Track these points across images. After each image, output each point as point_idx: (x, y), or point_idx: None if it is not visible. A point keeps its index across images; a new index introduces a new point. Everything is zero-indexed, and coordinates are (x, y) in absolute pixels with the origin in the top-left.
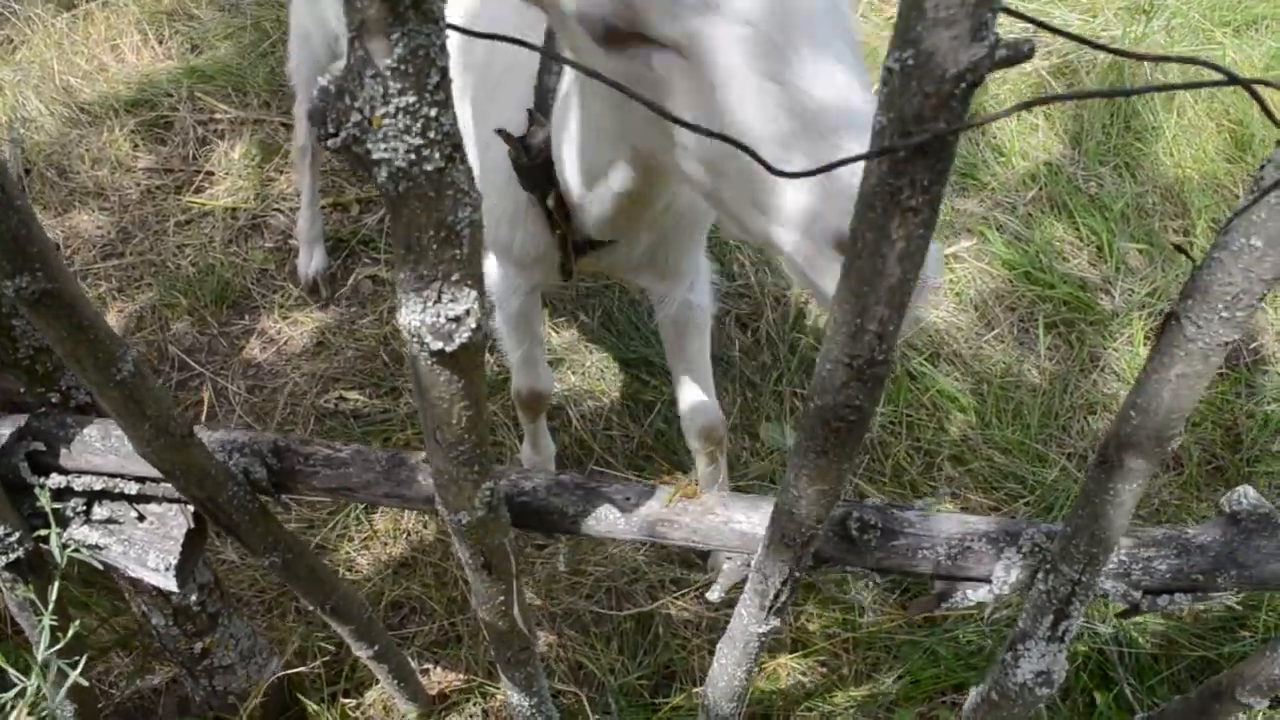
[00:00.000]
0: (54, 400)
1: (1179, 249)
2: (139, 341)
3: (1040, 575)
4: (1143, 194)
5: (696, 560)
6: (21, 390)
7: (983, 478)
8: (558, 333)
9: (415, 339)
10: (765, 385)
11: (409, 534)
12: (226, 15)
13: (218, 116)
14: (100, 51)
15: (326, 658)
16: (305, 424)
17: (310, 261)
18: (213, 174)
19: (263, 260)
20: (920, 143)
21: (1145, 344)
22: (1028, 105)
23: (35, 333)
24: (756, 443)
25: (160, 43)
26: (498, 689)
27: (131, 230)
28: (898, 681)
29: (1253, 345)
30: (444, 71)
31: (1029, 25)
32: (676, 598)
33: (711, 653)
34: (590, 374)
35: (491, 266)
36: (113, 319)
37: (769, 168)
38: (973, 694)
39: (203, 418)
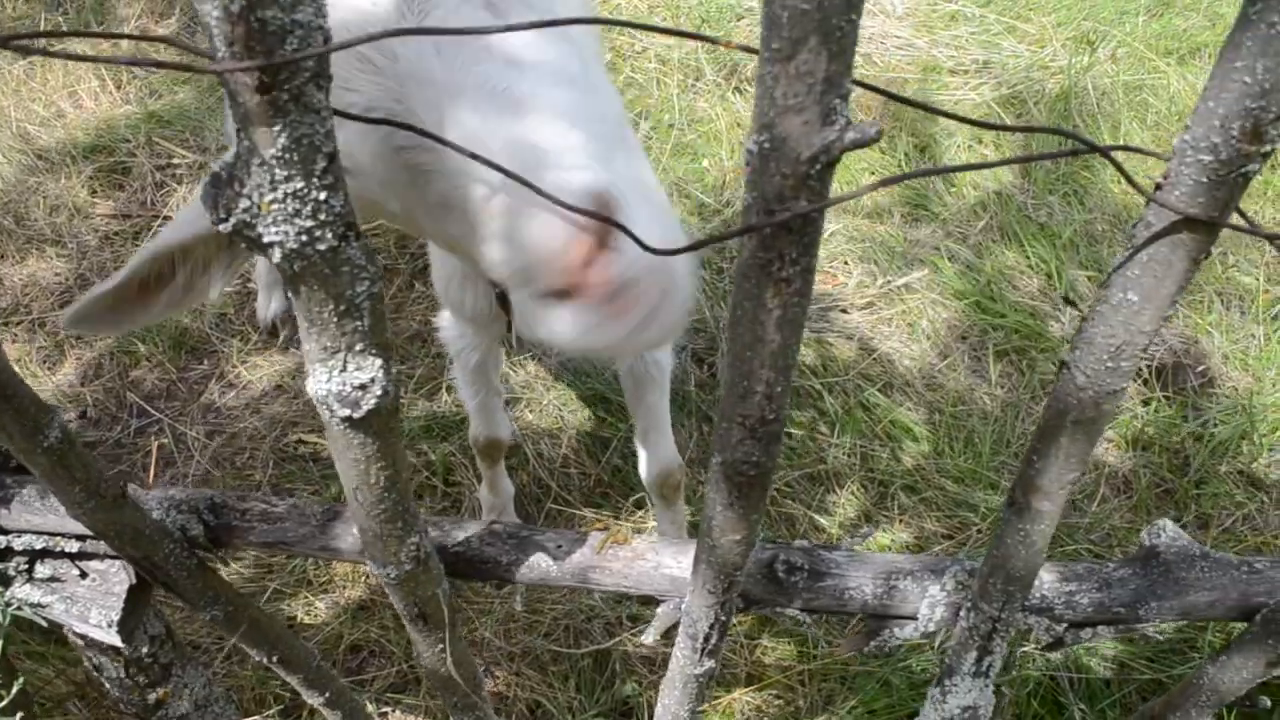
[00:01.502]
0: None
1: (1069, 301)
2: (98, 389)
3: (962, 613)
4: (1091, 220)
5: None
6: None
7: (936, 506)
8: (515, 371)
9: (324, 406)
10: None
11: (367, 578)
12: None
13: (175, 161)
14: (58, 98)
15: (282, 705)
16: (265, 468)
17: (269, 304)
18: (170, 219)
19: (221, 305)
20: (783, 221)
21: None
22: (886, 183)
23: None
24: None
25: (118, 88)
26: None
27: (89, 277)
28: (851, 713)
29: (1199, 369)
30: (331, 156)
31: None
32: (633, 634)
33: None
34: (548, 412)
35: (447, 320)
36: (70, 366)
37: (630, 231)
38: None
39: (153, 466)
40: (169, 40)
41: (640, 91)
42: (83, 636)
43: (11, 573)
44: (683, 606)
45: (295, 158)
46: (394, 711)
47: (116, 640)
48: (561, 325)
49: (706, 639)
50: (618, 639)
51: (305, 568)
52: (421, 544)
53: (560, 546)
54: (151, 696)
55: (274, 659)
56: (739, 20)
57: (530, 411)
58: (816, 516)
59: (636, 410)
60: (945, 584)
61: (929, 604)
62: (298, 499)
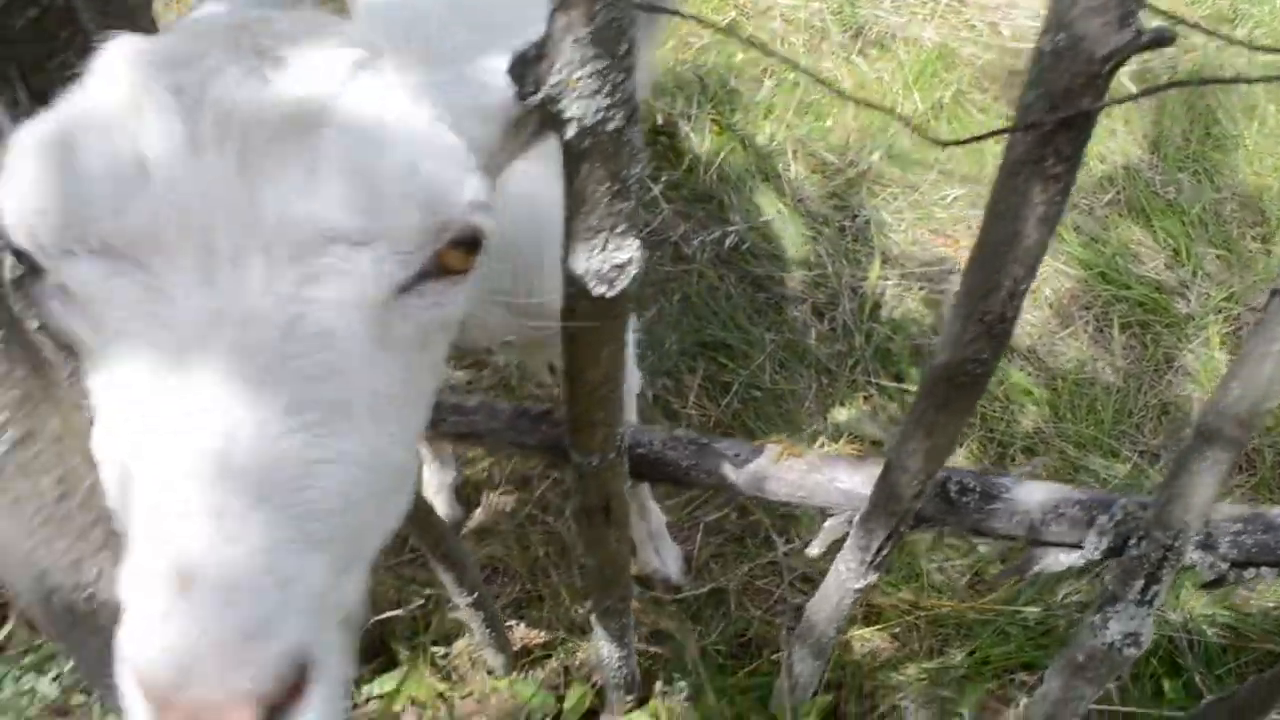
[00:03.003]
0: None
1: None
2: None
3: (1133, 541)
4: (1221, 201)
5: (770, 535)
6: None
7: (1054, 470)
8: (639, 316)
9: (578, 285)
10: (840, 372)
11: (490, 502)
12: None
13: None
14: None
15: (413, 607)
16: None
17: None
18: None
19: None
20: (1067, 117)
21: (1221, 348)
22: (1162, 89)
23: None
24: (830, 426)
25: None
26: (579, 645)
27: None
28: (968, 658)
29: None
30: (632, 41)
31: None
32: (752, 571)
33: (777, 625)
34: (668, 355)
35: None
36: None
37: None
38: (1054, 664)
39: None
40: None
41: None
42: None
43: None
44: (857, 517)
45: (605, 38)
46: (519, 625)
47: None
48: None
49: (879, 550)
50: (734, 575)
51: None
52: (624, 435)
53: (738, 455)
54: None
55: (439, 552)
56: None
57: (652, 353)
58: None
59: None
60: (1115, 514)
61: (1097, 532)
62: (486, 397)
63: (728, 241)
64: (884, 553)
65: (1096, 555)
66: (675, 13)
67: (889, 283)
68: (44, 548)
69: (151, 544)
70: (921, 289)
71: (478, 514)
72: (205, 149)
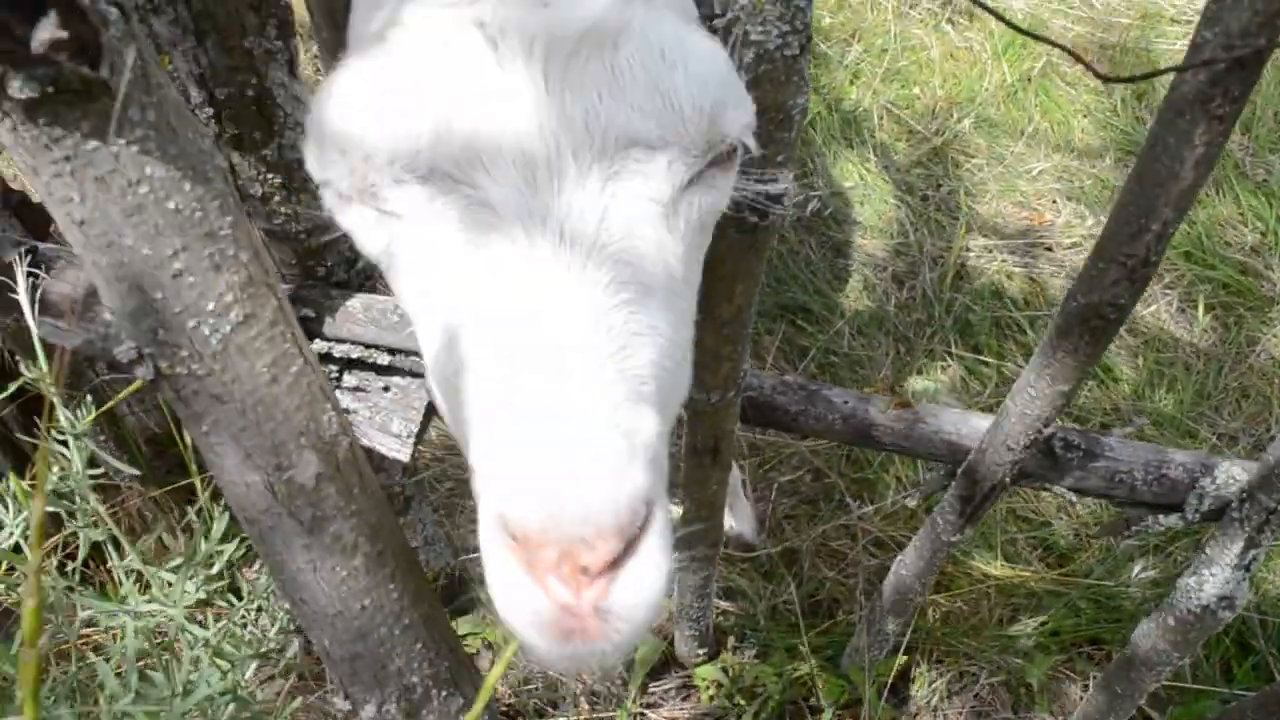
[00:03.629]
0: (319, 274)
1: None
2: None
3: (1235, 504)
4: None
5: (845, 498)
6: (293, 262)
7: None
8: None
9: (730, 213)
10: (919, 342)
11: None
12: None
13: None
14: None
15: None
16: None
17: None
18: None
19: None
20: (1241, 56)
21: None
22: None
23: (316, 208)
24: (907, 394)
25: None
26: None
27: None
28: (1039, 629)
29: None
30: None
31: None
32: (825, 533)
33: (849, 586)
34: None
35: None
36: None
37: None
38: (1144, 624)
39: None
40: None
41: (853, 14)
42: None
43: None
44: (962, 468)
45: None
46: None
47: (407, 454)
48: (502, 586)
49: (980, 502)
50: (807, 536)
51: None
52: (747, 372)
53: (846, 403)
54: None
55: None
56: None
57: None
58: None
59: None
60: (1217, 478)
61: (1198, 495)
62: None
63: (810, 206)
64: (985, 505)
65: (1196, 518)
66: None
67: (971, 254)
68: (253, 429)
69: (509, 411)
70: (1004, 261)
71: None
72: (513, 71)
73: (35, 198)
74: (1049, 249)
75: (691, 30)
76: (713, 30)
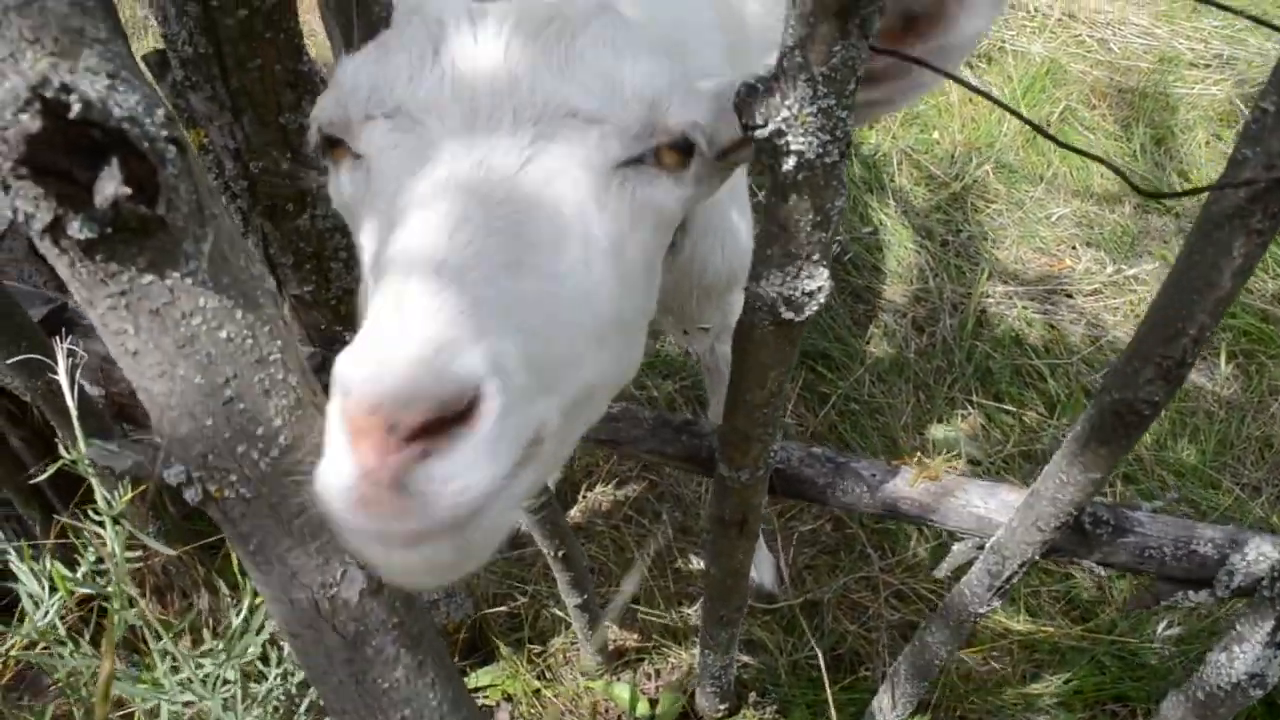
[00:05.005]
0: (348, 339)
1: None
2: None
3: (1266, 581)
4: None
5: (866, 549)
6: (322, 327)
7: (1152, 498)
8: None
9: (766, 308)
10: (939, 389)
11: (587, 501)
12: None
13: None
14: (313, 28)
15: (509, 607)
16: None
17: None
18: None
19: None
20: None
21: None
22: None
23: (347, 276)
24: (927, 442)
25: None
26: (672, 649)
27: None
28: (1064, 685)
29: None
30: (858, 80)
31: None
32: (846, 585)
33: (872, 640)
34: None
35: None
36: None
37: None
38: (1173, 694)
39: None
40: None
41: None
42: None
43: None
44: (990, 543)
45: (838, 77)
46: (612, 627)
47: None
48: (324, 460)
49: (1009, 578)
50: (829, 588)
51: None
52: (774, 453)
53: (874, 475)
54: None
55: (558, 554)
56: None
57: None
58: None
59: (713, 398)
60: (1247, 554)
61: (1228, 571)
62: (628, 404)
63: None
64: (1013, 580)
65: (1226, 594)
66: (903, 55)
67: (991, 300)
68: (299, 548)
69: (371, 311)
70: (1025, 308)
71: (574, 513)
72: (485, 40)
73: None
74: (1069, 295)
75: (650, 36)
76: (752, 140)
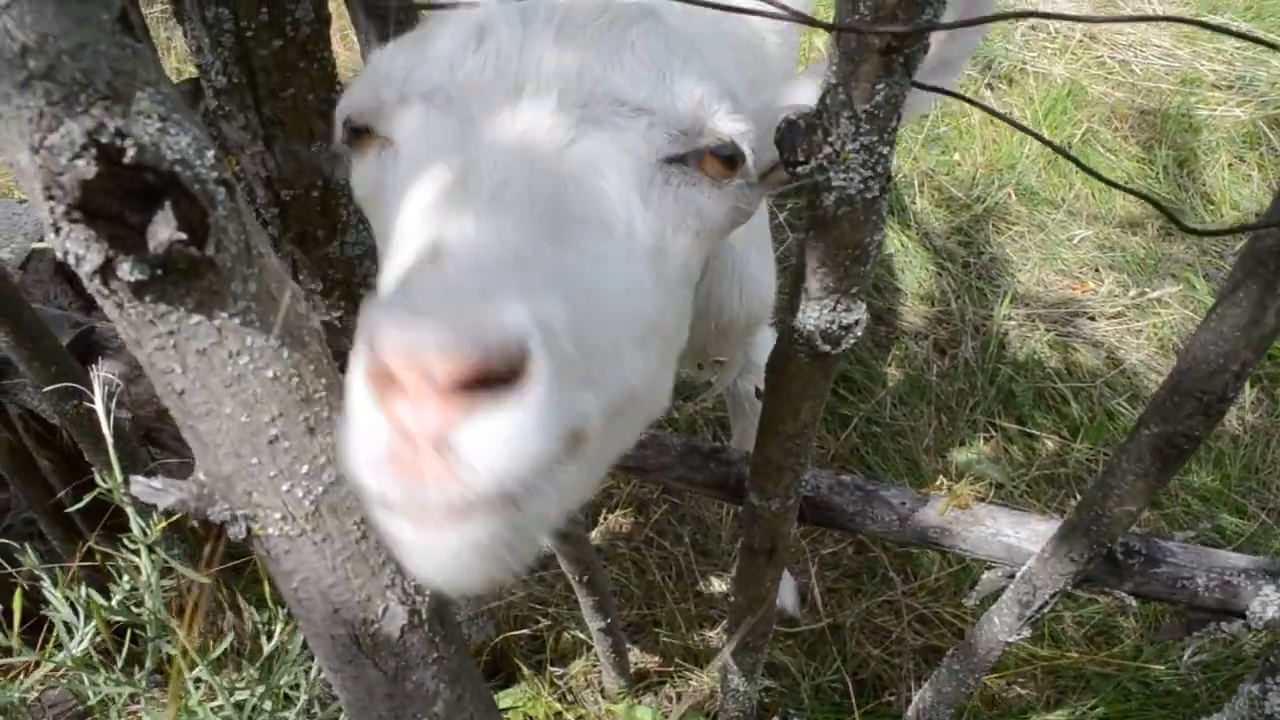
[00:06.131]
0: None
1: None
2: None
3: None
4: None
5: (889, 573)
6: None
7: (1177, 523)
8: None
9: (803, 341)
10: (961, 412)
11: (608, 524)
12: None
13: None
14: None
15: (530, 629)
16: None
17: None
18: None
19: None
20: None
21: None
22: None
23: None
24: (949, 465)
25: None
26: (693, 672)
27: None
28: (1089, 712)
29: None
30: (899, 117)
31: None
32: (869, 609)
33: (895, 665)
34: None
35: None
36: None
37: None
38: None
39: None
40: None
41: None
42: None
43: None
44: (1021, 572)
45: (881, 114)
46: (634, 649)
47: None
48: (350, 425)
49: (1039, 608)
50: (851, 611)
51: None
52: (805, 482)
53: (904, 504)
54: None
55: (584, 579)
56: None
57: None
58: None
59: (734, 428)
60: None
61: (1260, 603)
62: (655, 431)
63: None
64: (1044, 610)
65: (1260, 626)
66: (946, 92)
67: (1013, 323)
68: (342, 584)
69: (415, 253)
70: (1047, 331)
71: (595, 535)
72: (534, 25)
73: None
74: (1091, 318)
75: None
76: (795, 176)
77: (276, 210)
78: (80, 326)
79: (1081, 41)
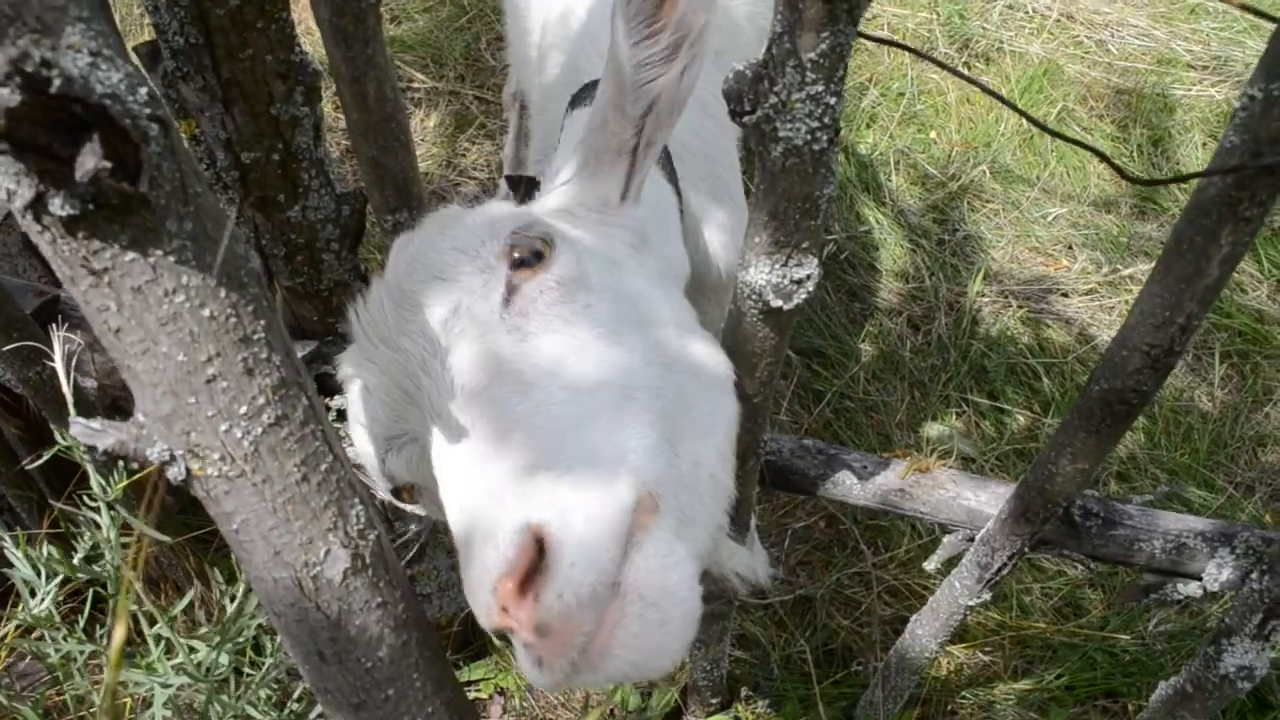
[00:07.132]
0: (340, 331)
1: None
2: None
3: (1255, 575)
4: None
5: (860, 545)
6: (315, 319)
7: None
8: None
9: (755, 296)
10: (933, 387)
11: None
12: None
13: (415, 85)
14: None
15: None
16: None
17: None
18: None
19: None
20: (1271, 164)
21: None
22: None
23: (339, 268)
24: (921, 440)
25: None
26: None
27: None
28: (1055, 681)
29: None
30: (846, 66)
31: None
32: (839, 580)
33: (865, 635)
34: None
35: None
36: None
37: None
38: (1162, 687)
39: None
40: None
41: (870, 58)
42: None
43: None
44: (980, 535)
45: (827, 64)
46: None
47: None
48: (520, 662)
49: (999, 569)
50: (821, 583)
51: None
52: (766, 443)
53: (866, 467)
54: (407, 574)
55: None
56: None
57: None
58: None
59: None
60: (1236, 547)
61: (1217, 565)
62: None
63: (826, 250)
64: (1003, 572)
65: (1216, 588)
66: (890, 41)
67: (986, 299)
68: (282, 527)
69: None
70: (1020, 307)
71: None
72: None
73: None
74: (1064, 295)
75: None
76: (741, 125)
77: (237, 174)
78: (45, 296)
79: (1058, 21)
